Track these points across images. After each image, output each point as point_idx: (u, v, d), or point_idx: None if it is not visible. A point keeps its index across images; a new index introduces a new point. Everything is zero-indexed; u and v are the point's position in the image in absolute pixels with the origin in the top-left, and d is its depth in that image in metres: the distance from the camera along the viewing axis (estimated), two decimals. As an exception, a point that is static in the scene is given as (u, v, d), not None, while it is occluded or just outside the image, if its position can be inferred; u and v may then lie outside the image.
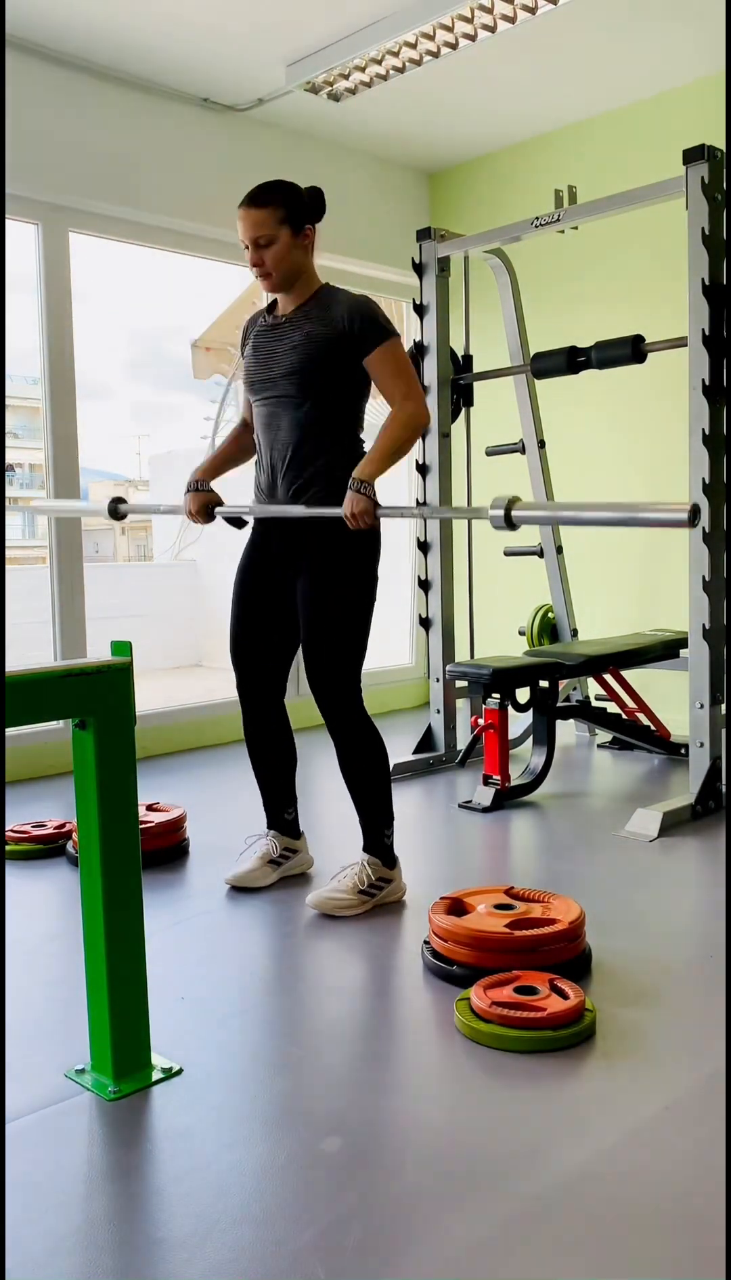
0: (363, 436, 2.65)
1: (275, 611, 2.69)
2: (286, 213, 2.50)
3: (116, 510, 2.98)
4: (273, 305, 2.65)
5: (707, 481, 3.30)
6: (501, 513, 2.17)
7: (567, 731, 4.66)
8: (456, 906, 2.31)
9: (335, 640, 2.55)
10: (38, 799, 3.77)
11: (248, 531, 2.75)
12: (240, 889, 2.76)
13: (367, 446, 2.57)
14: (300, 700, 3.07)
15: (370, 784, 2.63)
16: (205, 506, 2.72)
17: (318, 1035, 1.98)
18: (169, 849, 3.06)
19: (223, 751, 4.54)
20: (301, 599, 2.60)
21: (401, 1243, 1.37)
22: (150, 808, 3.18)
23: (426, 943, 2.27)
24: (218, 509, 2.73)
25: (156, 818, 3.07)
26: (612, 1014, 2.00)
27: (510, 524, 2.17)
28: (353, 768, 2.62)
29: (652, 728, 4.18)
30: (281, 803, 2.86)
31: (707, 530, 3.31)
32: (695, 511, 1.88)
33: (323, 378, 2.51)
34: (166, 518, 10.38)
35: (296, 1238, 1.38)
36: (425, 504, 4.20)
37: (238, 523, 2.74)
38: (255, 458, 2.71)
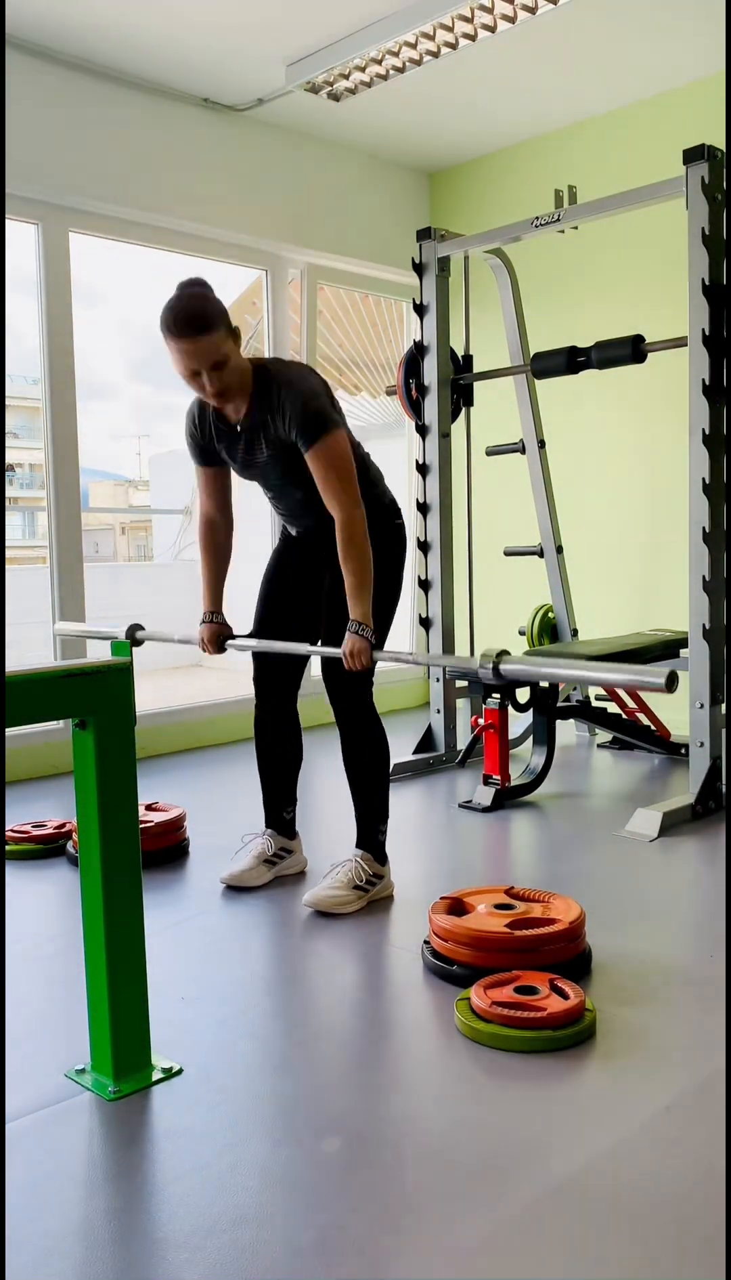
0: (371, 461, 2.66)
1: (301, 601, 2.73)
2: (227, 326, 2.32)
3: (134, 637, 2.97)
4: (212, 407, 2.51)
5: (707, 481, 3.30)
6: (489, 668, 2.15)
7: (567, 731, 4.66)
8: (456, 906, 2.31)
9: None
10: (38, 799, 3.77)
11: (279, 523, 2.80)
12: (236, 888, 2.77)
13: (375, 456, 2.61)
14: (311, 699, 3.08)
15: (372, 780, 2.66)
16: (217, 638, 2.75)
17: (318, 1035, 1.98)
18: (169, 849, 3.06)
19: (223, 751, 4.54)
20: (327, 593, 2.64)
21: (401, 1243, 1.37)
22: (150, 807, 3.18)
23: (426, 943, 2.27)
24: (228, 641, 2.75)
25: (156, 817, 3.08)
26: (613, 1014, 2.00)
27: (498, 676, 2.14)
28: (357, 763, 2.65)
29: (652, 728, 4.18)
30: (281, 801, 2.86)
31: (707, 530, 3.31)
32: (672, 678, 1.88)
33: (306, 468, 2.48)
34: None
35: (297, 1237, 1.38)
36: (426, 506, 4.20)
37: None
38: (270, 507, 2.74)
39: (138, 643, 2.89)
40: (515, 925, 2.16)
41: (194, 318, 2.27)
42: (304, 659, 2.78)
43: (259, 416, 2.45)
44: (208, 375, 2.32)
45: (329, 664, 2.58)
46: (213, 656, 2.80)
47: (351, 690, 2.59)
